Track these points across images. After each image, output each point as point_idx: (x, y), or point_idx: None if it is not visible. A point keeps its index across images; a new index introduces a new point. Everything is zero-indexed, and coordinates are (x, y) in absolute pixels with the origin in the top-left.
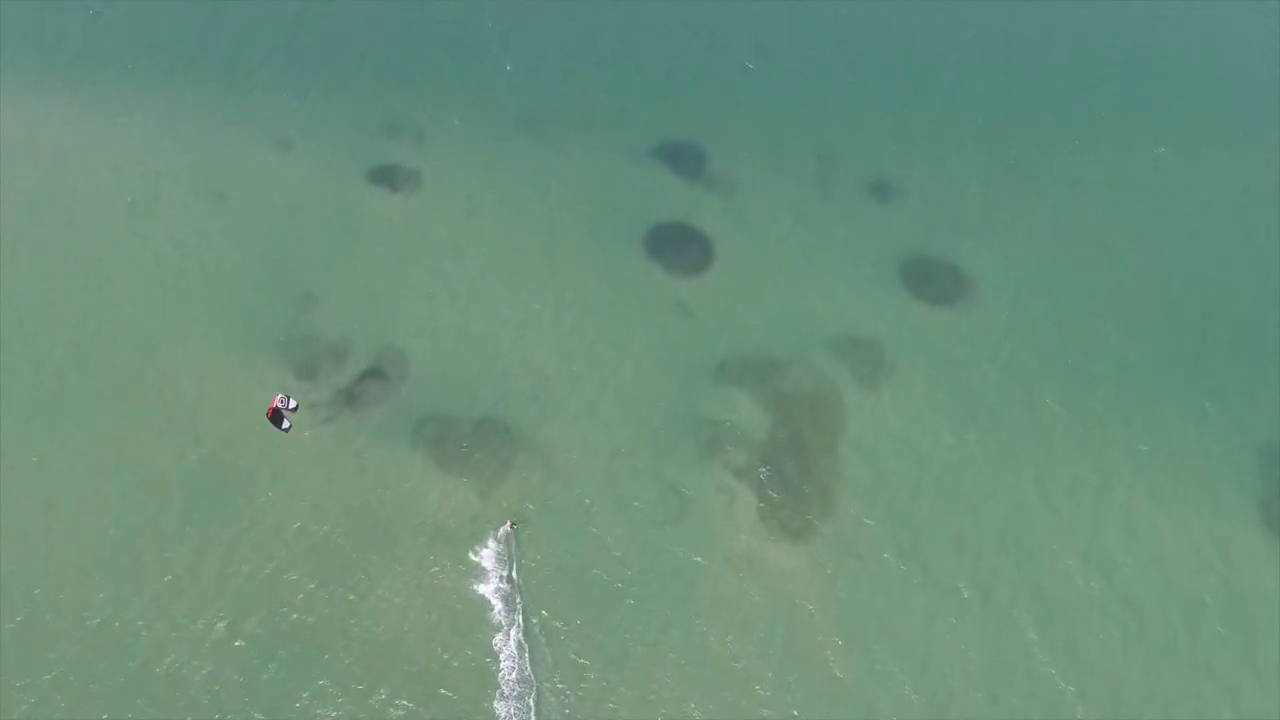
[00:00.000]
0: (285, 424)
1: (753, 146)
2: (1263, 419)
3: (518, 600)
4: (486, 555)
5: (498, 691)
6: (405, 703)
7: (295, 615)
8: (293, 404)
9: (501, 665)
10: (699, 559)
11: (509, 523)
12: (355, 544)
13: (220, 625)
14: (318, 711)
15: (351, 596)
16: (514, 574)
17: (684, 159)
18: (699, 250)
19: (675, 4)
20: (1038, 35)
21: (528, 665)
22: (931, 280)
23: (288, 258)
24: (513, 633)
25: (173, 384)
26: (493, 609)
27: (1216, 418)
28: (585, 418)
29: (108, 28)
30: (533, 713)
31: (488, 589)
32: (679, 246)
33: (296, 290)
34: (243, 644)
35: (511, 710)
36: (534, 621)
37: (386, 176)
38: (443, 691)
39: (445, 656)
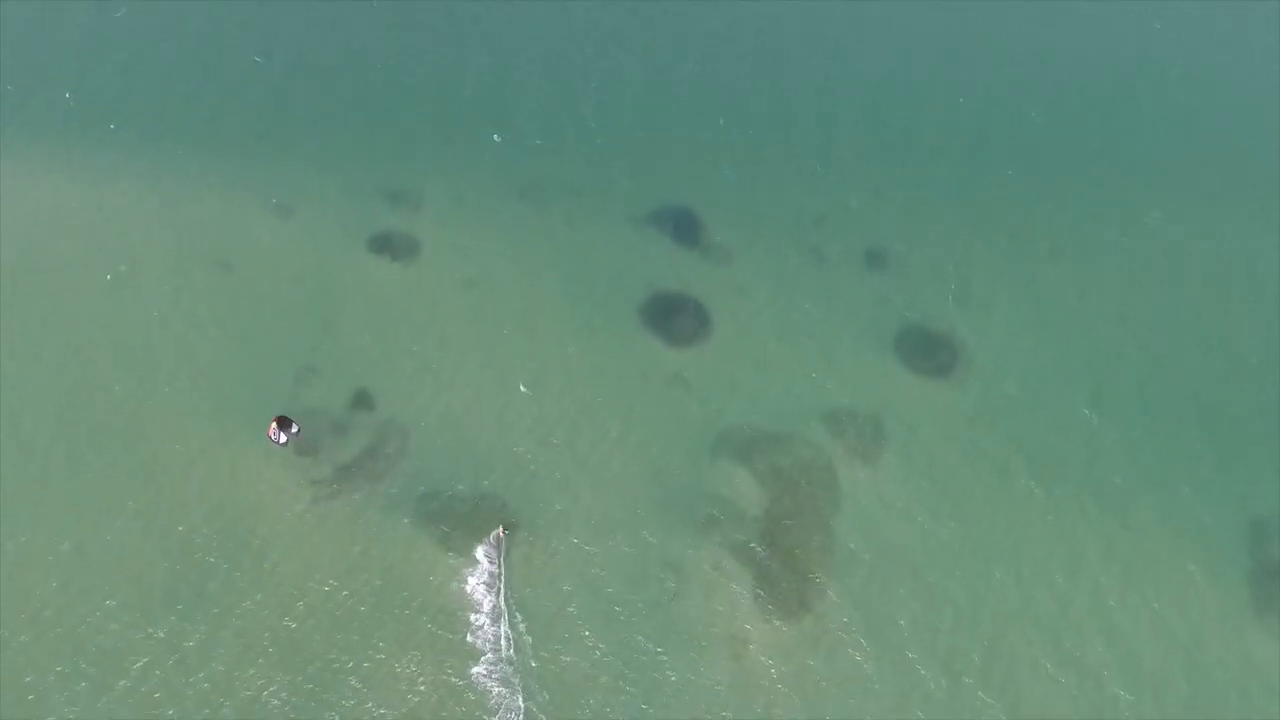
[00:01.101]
0: (295, 431)
1: (746, 212)
2: (1238, 503)
3: (516, 681)
4: (480, 620)
5: None
6: None
7: (274, 704)
8: (283, 439)
9: None
10: (680, 647)
11: (500, 528)
12: (338, 632)
13: (199, 717)
14: None
15: (335, 687)
16: (511, 652)
17: (678, 226)
18: (693, 320)
19: (658, 70)
20: (1028, 94)
21: None
22: (925, 354)
23: (280, 330)
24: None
25: (161, 465)
26: (489, 695)
27: (1192, 501)
28: (580, 498)
29: (92, 92)
30: None
31: (479, 670)
32: (673, 317)
33: (293, 365)
34: None
35: None
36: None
37: (385, 245)
38: None
39: None
